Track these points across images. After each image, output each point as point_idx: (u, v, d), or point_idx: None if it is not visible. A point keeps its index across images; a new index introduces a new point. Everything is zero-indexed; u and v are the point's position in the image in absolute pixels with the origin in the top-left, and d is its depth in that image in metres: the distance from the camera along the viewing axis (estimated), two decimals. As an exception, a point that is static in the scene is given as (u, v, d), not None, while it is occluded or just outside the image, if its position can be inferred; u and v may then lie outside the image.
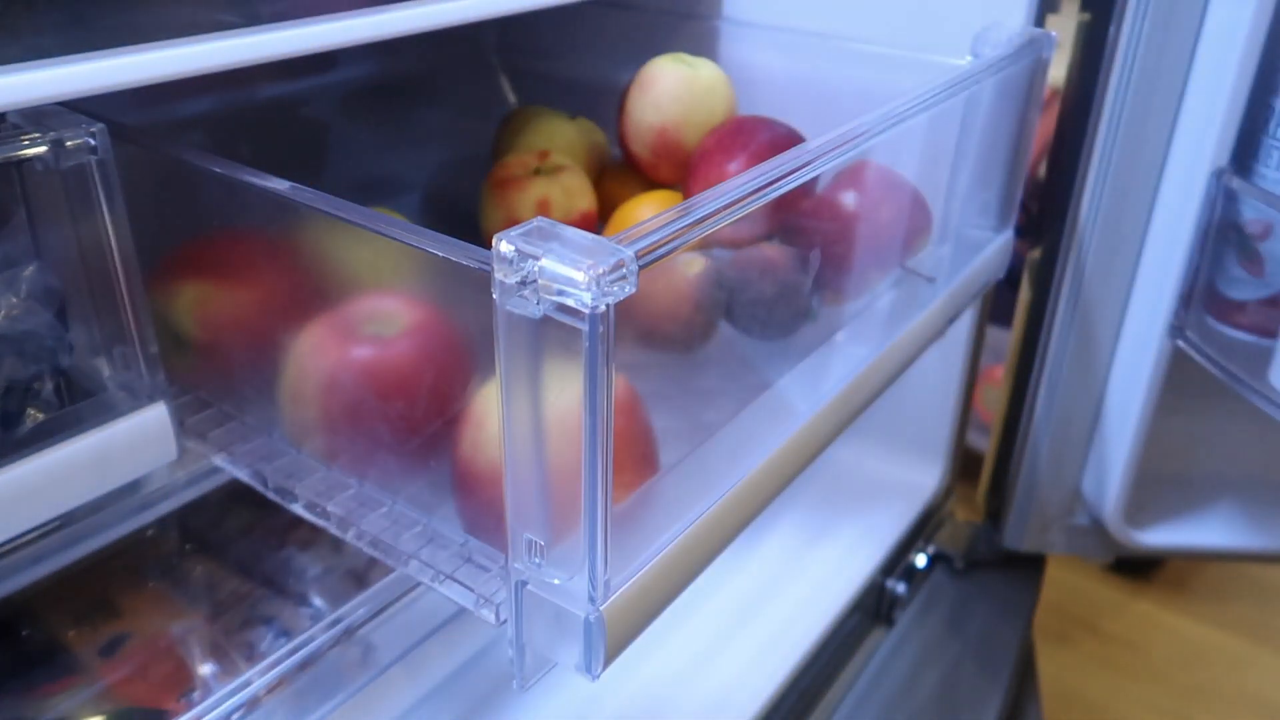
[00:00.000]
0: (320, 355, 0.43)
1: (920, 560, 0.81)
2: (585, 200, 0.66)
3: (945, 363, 0.78)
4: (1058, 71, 0.65)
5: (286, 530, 0.68)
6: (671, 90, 0.66)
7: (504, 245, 0.30)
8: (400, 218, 0.44)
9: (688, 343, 0.54)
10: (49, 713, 0.55)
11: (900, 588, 0.77)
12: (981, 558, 0.83)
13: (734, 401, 0.47)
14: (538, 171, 0.66)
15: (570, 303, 0.30)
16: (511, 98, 0.90)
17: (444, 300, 0.42)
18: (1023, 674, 0.79)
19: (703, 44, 0.75)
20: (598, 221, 0.68)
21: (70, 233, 0.43)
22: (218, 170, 0.44)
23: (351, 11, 0.46)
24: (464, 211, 0.69)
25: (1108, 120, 0.65)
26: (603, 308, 0.30)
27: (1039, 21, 0.66)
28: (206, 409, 0.50)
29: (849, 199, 0.57)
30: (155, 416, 0.46)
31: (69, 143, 0.41)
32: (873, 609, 0.77)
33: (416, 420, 0.42)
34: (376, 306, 0.43)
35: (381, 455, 0.43)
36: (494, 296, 0.31)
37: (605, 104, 0.72)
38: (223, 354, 0.50)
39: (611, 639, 0.35)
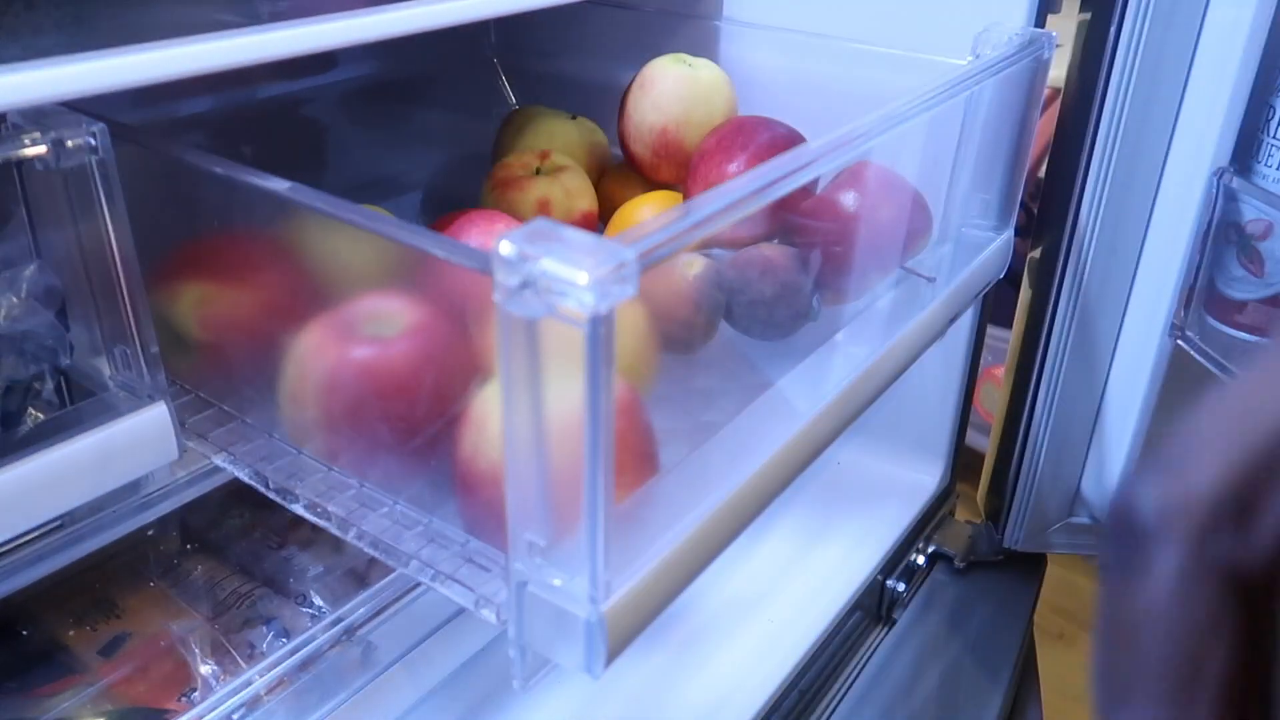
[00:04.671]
0: (321, 355, 0.43)
1: (920, 560, 0.81)
2: (586, 200, 0.66)
3: (945, 363, 0.78)
4: (1058, 71, 0.65)
5: (287, 530, 0.68)
6: (672, 90, 0.66)
7: (504, 246, 0.30)
8: (390, 215, 0.44)
9: (688, 343, 0.54)
10: (49, 713, 0.55)
11: (900, 587, 0.77)
12: (981, 557, 0.83)
13: (734, 401, 0.47)
14: (538, 171, 0.66)
15: (571, 304, 0.30)
16: (511, 98, 0.90)
17: (444, 300, 0.42)
18: (1023, 673, 0.79)
19: (703, 44, 0.75)
20: (598, 222, 0.68)
21: (70, 232, 0.43)
22: (218, 170, 0.44)
23: (351, 11, 0.46)
24: (464, 211, 0.69)
25: (1108, 120, 0.65)
26: (604, 309, 0.29)
27: (1039, 21, 0.66)
28: (207, 409, 0.50)
29: (849, 199, 0.58)
30: (156, 416, 0.46)
31: (69, 143, 0.41)
32: (873, 608, 0.77)
33: (417, 421, 0.42)
34: (376, 306, 0.43)
35: (382, 456, 0.43)
36: (494, 297, 0.31)
37: (605, 104, 0.72)
38: (223, 354, 0.50)
39: (612, 639, 0.35)
